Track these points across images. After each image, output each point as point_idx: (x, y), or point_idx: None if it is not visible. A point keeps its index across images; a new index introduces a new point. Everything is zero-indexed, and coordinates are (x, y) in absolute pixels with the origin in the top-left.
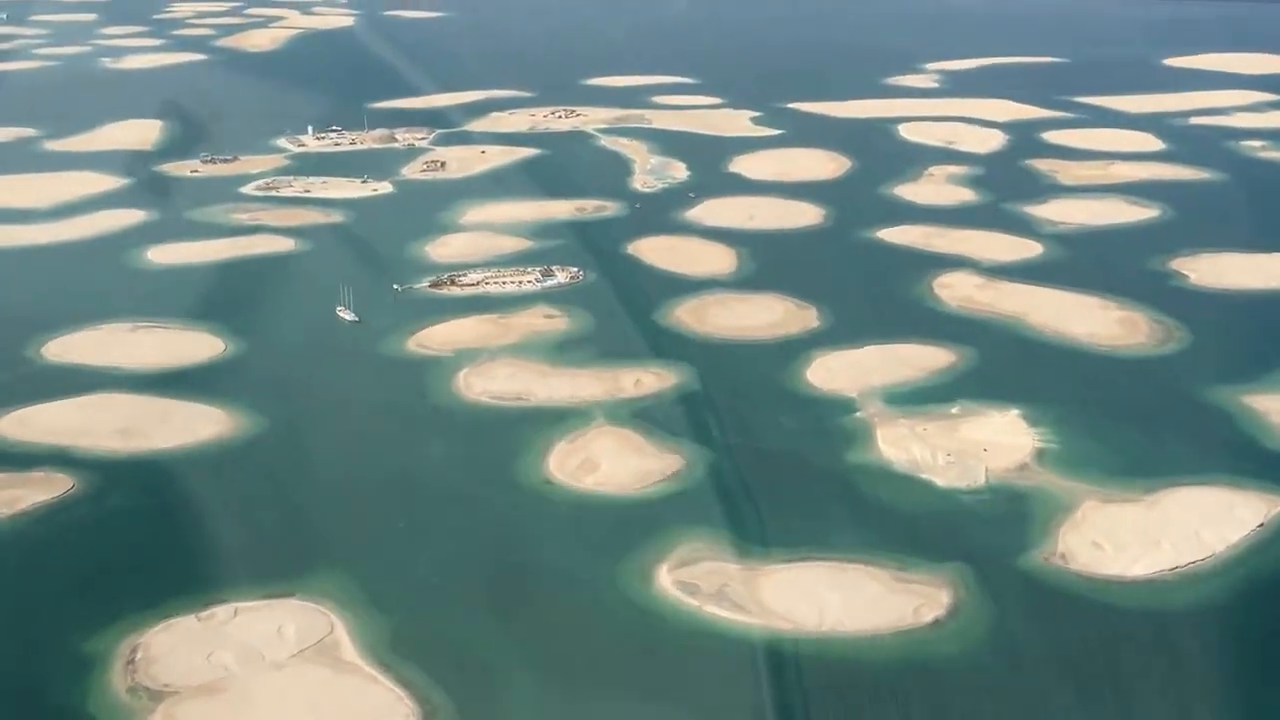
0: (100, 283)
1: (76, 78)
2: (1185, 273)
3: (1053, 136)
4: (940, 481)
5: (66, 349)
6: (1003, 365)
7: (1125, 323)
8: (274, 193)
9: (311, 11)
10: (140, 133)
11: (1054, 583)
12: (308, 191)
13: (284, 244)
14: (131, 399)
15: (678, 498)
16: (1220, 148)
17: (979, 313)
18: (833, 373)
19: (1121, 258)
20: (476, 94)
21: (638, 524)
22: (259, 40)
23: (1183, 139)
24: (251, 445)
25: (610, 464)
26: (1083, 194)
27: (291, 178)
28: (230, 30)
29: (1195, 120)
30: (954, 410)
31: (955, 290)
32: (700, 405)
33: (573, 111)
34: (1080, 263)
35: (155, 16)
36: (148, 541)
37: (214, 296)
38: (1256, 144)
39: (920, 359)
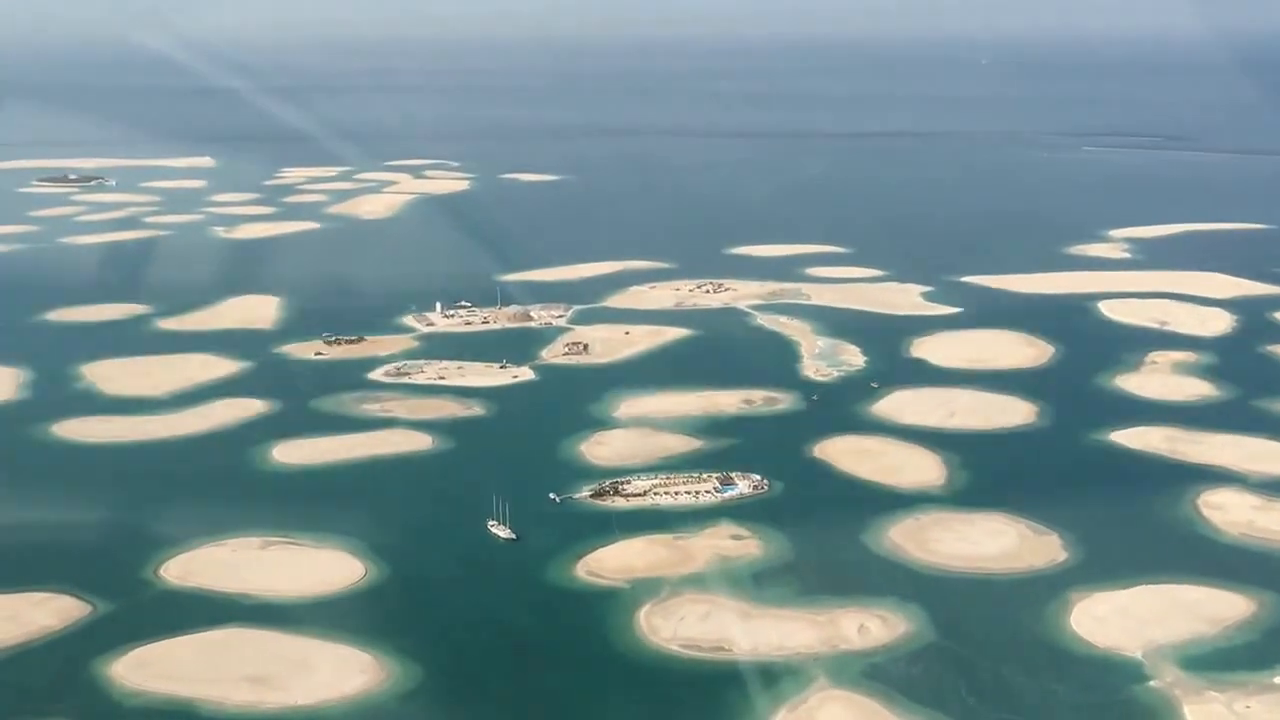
0: (223, 486)
1: (189, 248)
2: None
3: None
4: None
5: (188, 570)
6: None
7: None
8: (405, 379)
9: (423, 175)
10: (258, 310)
11: None
12: (441, 378)
13: (420, 441)
14: (263, 636)
15: None
16: None
17: (1266, 542)
18: (1102, 623)
19: None
20: (612, 265)
21: None
22: (373, 207)
23: None
24: (406, 703)
25: None
26: None
27: (423, 362)
28: (342, 196)
29: None
30: (1277, 680)
31: (1229, 514)
32: (946, 663)
33: (721, 285)
34: None
35: (265, 182)
36: None
37: (349, 505)
38: None
39: (1210, 607)
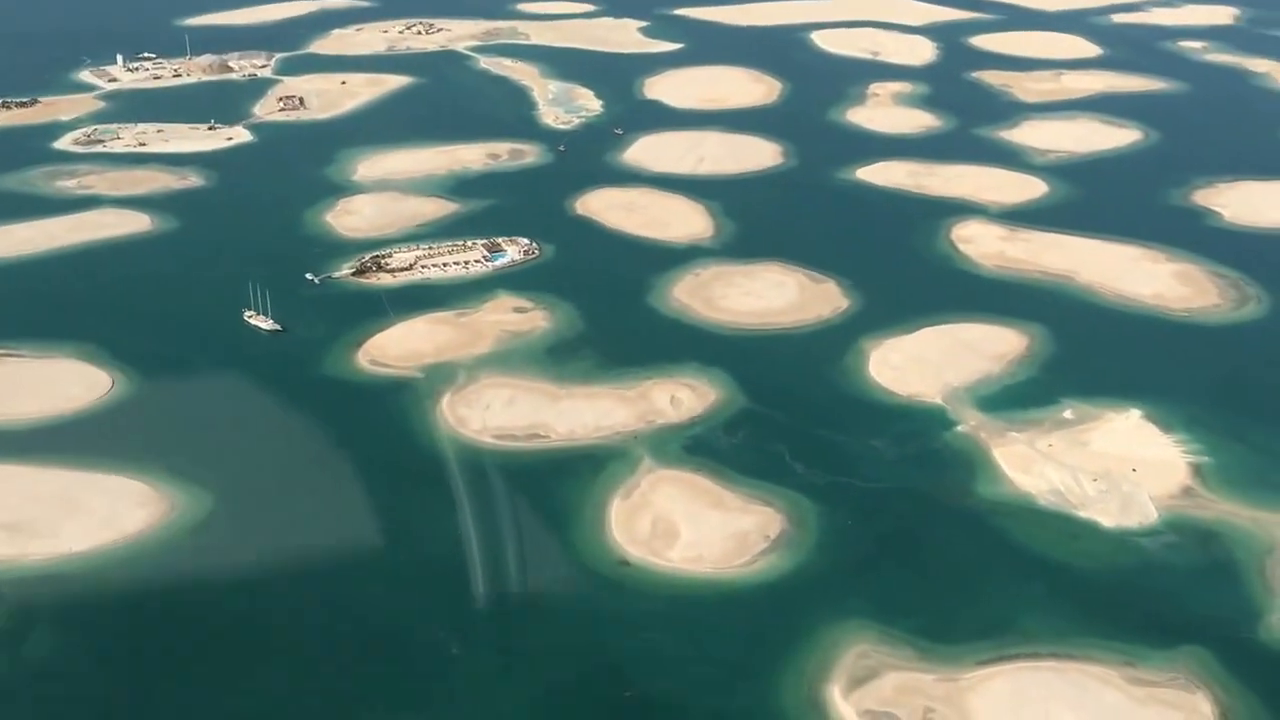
0: None
1: None
2: (1214, 209)
3: (982, 42)
4: (1105, 521)
5: None
6: (1083, 345)
7: (1185, 279)
8: (100, 147)
9: None
10: None
11: None
12: (143, 145)
13: (137, 221)
14: (9, 472)
15: (800, 574)
16: (1160, 50)
17: (1020, 273)
18: (900, 371)
19: (1135, 193)
20: (306, 4)
21: (770, 620)
22: None
23: (1117, 42)
24: (202, 536)
25: (692, 528)
26: (1049, 113)
27: (117, 126)
28: None
29: (1117, 18)
30: (1067, 414)
31: (980, 245)
32: (763, 430)
33: (432, 25)
34: (1094, 201)
35: None
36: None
37: (70, 304)
38: (1195, 45)
39: (990, 344)
